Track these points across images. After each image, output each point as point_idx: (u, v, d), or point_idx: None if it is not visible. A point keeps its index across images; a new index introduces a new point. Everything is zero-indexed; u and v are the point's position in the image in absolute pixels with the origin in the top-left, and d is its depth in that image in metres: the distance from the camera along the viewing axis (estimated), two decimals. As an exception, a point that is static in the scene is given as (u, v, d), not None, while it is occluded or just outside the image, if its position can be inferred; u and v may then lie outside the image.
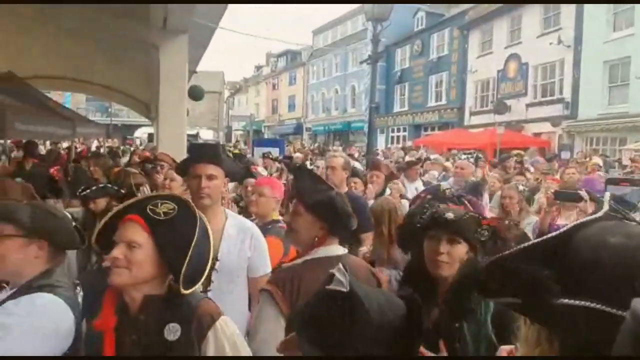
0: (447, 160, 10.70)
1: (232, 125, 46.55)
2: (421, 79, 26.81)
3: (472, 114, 23.16)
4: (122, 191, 4.05)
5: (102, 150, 13.23)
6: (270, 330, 1.66)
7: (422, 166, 7.78)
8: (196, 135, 24.34)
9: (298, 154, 12.40)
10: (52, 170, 5.11)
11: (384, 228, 3.34)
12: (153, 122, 18.06)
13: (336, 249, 1.87)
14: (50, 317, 1.48)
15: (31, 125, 5.82)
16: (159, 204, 1.51)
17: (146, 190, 3.85)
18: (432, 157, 10.32)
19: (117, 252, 1.42)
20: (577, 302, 0.64)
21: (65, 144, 12.65)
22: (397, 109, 29.03)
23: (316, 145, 26.21)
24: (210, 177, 2.23)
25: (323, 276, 1.48)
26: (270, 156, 8.49)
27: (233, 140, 39.46)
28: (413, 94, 27.56)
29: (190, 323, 1.45)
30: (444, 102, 25.24)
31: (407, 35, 27.55)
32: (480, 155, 12.07)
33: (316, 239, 1.85)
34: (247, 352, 1.58)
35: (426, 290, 1.69)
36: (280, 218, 2.93)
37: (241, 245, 2.31)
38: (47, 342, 1.45)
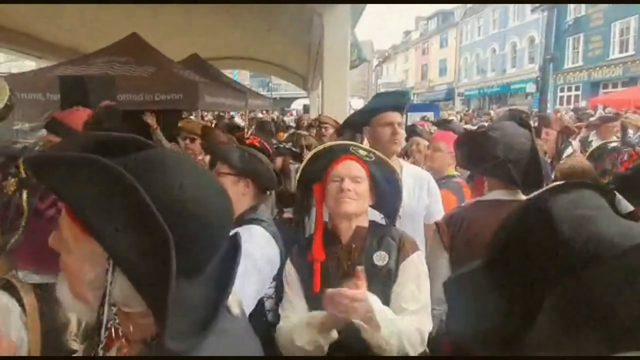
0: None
1: (380, 94, 46.43)
2: (600, 27, 22.96)
3: (670, 64, 19.15)
4: (295, 150, 4.44)
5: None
6: (434, 261, 1.83)
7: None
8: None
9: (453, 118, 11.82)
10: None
11: None
12: (309, 94, 19.03)
13: (509, 194, 1.86)
14: (263, 246, 1.71)
15: (215, 98, 6.63)
16: (358, 149, 1.70)
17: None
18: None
19: (348, 185, 1.62)
20: None
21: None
22: (568, 64, 25.50)
23: (471, 110, 24.69)
24: (400, 125, 2.29)
25: (490, 215, 1.62)
26: (429, 120, 8.27)
27: (382, 108, 39.39)
28: (589, 46, 23.82)
29: (395, 251, 1.62)
30: (631, 52, 21.30)
31: (583, -22, 23.75)
32: None
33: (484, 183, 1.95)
34: (428, 289, 1.66)
35: None
36: (456, 173, 2.88)
37: (419, 192, 2.34)
38: (259, 268, 1.66)
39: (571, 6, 25.09)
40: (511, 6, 28.80)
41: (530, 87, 26.85)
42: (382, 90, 44.16)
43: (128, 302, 0.72)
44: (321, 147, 1.78)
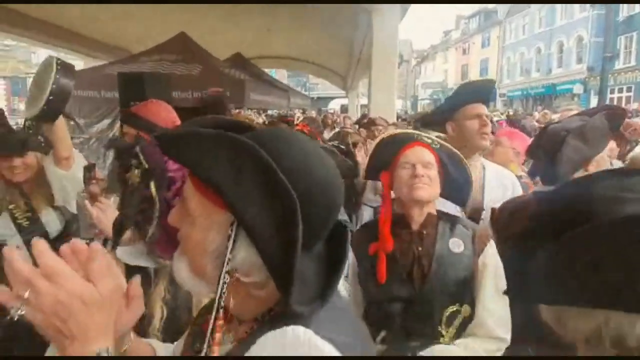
0: None
1: (417, 94, 45.93)
2: (657, 25, 21.80)
3: None
4: (342, 147, 4.37)
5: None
6: None
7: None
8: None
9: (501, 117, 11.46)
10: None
11: None
12: (348, 93, 18.93)
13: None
14: None
15: (260, 95, 6.66)
16: (422, 137, 1.69)
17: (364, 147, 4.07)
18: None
19: (420, 170, 1.59)
20: None
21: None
22: (619, 65, 24.32)
23: (514, 110, 23.93)
24: (488, 117, 2.15)
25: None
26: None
27: (419, 109, 38.92)
28: (644, 45, 22.66)
29: (469, 240, 1.59)
30: (690, 52, 20.11)
31: (638, -27, 22.57)
32: None
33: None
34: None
35: None
36: (523, 173, 2.70)
37: (503, 193, 2.16)
38: None
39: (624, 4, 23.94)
40: (558, 4, 27.75)
41: (578, 88, 25.80)
42: (421, 90, 43.45)
43: (248, 270, 0.73)
44: (386, 134, 1.74)
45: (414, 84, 48.50)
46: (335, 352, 0.68)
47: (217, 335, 0.74)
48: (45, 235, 2.15)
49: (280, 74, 32.70)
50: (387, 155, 1.68)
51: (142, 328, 1.15)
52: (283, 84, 11.81)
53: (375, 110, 5.32)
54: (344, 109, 21.19)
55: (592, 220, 0.71)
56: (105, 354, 0.67)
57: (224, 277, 0.71)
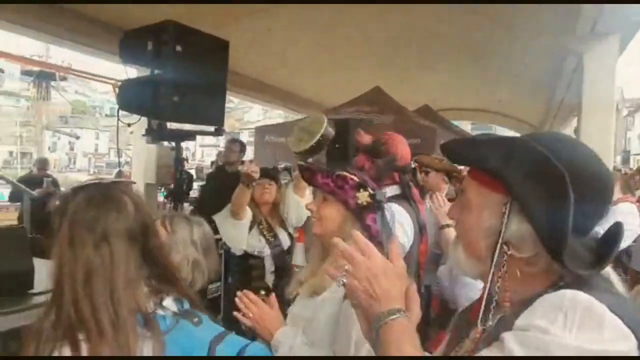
0: None
1: (629, 148, 39.52)
2: None
3: None
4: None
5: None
6: None
7: None
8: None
9: None
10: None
11: None
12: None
13: None
14: None
15: (449, 144, 6.61)
16: None
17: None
18: None
19: None
20: None
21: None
22: None
23: None
24: None
25: None
26: None
27: (632, 164, 33.22)
28: None
29: None
30: None
31: None
32: None
33: None
34: None
35: None
36: None
37: None
38: None
39: None
40: None
41: None
42: (635, 142, 36.90)
43: (519, 243, 0.83)
44: None
45: (625, 136, 41.83)
46: (614, 317, 0.72)
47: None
48: (281, 249, 2.70)
49: (463, 125, 31.94)
50: None
51: None
52: (470, 134, 11.54)
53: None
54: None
55: None
56: (399, 314, 0.84)
57: (500, 248, 0.83)
